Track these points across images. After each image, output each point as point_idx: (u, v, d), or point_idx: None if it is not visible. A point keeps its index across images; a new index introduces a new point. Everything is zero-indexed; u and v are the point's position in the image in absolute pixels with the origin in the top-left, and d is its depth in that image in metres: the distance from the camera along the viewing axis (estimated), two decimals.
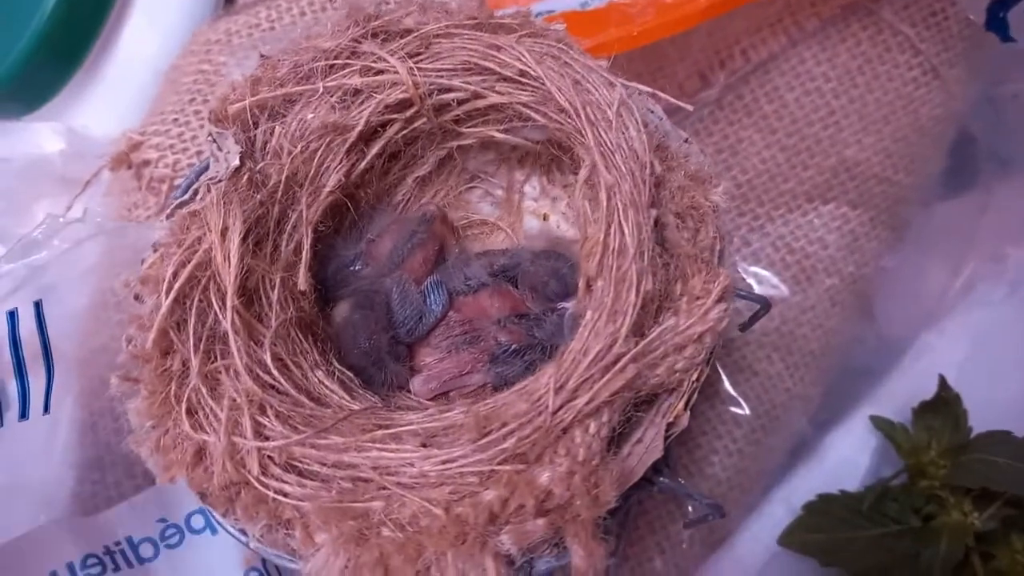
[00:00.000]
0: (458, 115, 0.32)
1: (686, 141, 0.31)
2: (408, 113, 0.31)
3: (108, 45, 0.48)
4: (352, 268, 0.32)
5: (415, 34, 0.30)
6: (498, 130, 0.32)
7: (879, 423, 0.43)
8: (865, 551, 0.39)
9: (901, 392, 0.45)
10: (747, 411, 0.41)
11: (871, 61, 0.43)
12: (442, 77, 0.30)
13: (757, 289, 0.42)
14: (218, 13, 0.48)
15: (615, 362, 0.25)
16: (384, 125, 0.31)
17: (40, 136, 0.49)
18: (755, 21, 0.42)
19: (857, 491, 0.41)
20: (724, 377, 0.41)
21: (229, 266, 0.26)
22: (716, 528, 0.40)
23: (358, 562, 0.23)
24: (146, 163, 0.41)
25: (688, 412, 0.27)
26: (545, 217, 0.35)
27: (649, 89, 0.30)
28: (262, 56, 0.30)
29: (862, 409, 0.45)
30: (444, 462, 0.25)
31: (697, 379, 0.27)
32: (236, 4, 0.47)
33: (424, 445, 0.25)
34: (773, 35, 0.43)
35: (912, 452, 0.42)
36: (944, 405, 0.42)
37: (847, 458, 0.43)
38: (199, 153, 0.41)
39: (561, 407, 0.25)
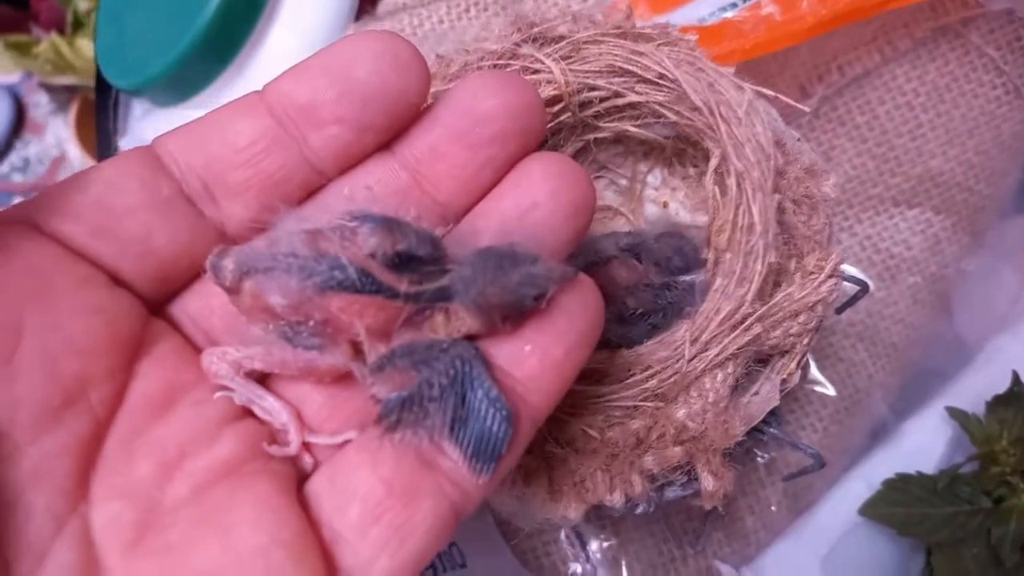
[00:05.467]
0: (598, 111, 0.36)
1: (798, 140, 0.36)
2: (556, 108, 0.36)
3: (255, 47, 0.55)
4: None
5: (567, 40, 0.35)
6: (633, 125, 0.36)
7: (954, 413, 0.46)
8: (940, 525, 0.42)
9: (975, 388, 0.48)
10: (833, 392, 0.45)
11: (958, 80, 0.47)
12: (588, 78, 0.35)
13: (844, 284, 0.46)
14: (359, 19, 0.54)
15: (742, 321, 0.30)
16: None
17: None
18: (852, 40, 0.46)
19: (932, 474, 0.45)
20: (812, 362, 0.45)
21: None
22: (801, 497, 0.44)
23: (527, 468, 0.28)
24: None
25: (799, 371, 0.32)
26: (665, 204, 0.40)
27: (771, 93, 0.34)
28: (438, 56, 0.35)
29: (938, 402, 0.48)
30: (598, 396, 0.29)
31: (808, 343, 0.32)
32: (378, 12, 0.52)
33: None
34: (868, 53, 0.47)
35: (984, 441, 0.45)
36: (1016, 399, 0.45)
37: (923, 444, 0.46)
38: None
39: (695, 356, 0.30)
